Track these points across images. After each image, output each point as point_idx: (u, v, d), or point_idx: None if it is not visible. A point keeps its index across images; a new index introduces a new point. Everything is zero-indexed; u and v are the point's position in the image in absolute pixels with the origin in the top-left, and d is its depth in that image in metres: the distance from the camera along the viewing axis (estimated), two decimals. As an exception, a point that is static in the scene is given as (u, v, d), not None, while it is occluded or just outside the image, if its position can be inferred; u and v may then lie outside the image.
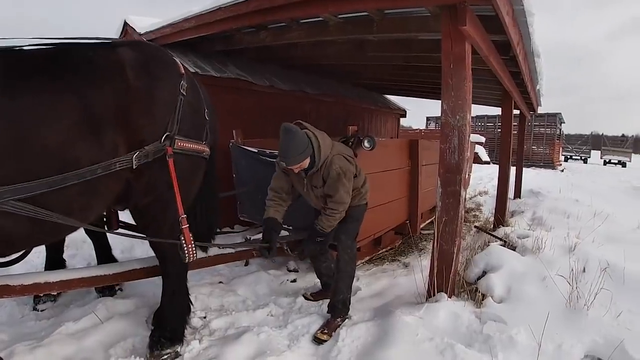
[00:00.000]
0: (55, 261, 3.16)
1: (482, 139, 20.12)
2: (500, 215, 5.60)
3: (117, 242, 3.87)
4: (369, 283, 3.49)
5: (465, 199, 2.72)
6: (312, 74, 6.99)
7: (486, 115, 23.84)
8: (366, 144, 3.15)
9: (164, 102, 2.25)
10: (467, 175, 2.71)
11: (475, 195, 8.98)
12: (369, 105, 8.85)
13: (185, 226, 2.38)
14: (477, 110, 23.10)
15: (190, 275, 2.84)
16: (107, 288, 3.12)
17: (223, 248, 3.01)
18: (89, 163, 1.96)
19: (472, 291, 2.78)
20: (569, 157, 29.00)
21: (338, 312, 2.76)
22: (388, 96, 10.20)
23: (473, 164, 11.72)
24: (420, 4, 2.82)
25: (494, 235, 4.24)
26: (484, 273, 2.95)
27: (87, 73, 2.04)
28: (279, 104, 6.02)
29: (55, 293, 2.99)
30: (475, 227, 5.24)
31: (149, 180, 2.26)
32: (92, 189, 2.03)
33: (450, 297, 2.66)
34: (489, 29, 3.05)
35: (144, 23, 5.06)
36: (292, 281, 3.53)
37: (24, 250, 2.48)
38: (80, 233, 3.13)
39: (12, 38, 2.17)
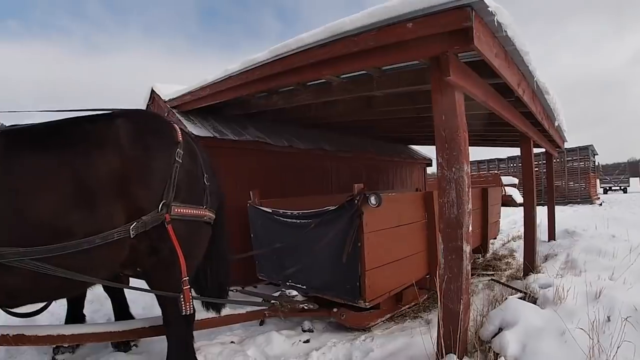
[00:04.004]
0: (74, 315, 3.31)
1: (516, 181, 19.52)
2: (529, 262, 5.24)
3: (140, 300, 3.96)
4: (384, 343, 3.28)
5: (469, 254, 2.61)
6: (331, 131, 7.12)
7: (517, 156, 23.27)
8: (372, 200, 3.17)
9: (159, 171, 2.34)
10: (469, 229, 2.62)
11: (508, 241, 8.51)
12: (392, 157, 8.83)
13: (185, 287, 2.46)
14: (509, 151, 22.62)
15: (203, 334, 2.91)
16: (122, 343, 3.21)
17: (229, 306, 3.14)
18: (83, 233, 2.08)
19: (486, 350, 2.63)
20: (608, 188, 27.88)
21: None
22: (413, 146, 10.18)
23: (507, 207, 11.26)
24: (404, 59, 2.88)
25: (511, 287, 4.01)
26: (500, 330, 2.79)
27: (83, 146, 2.18)
28: (299, 163, 6.17)
29: (68, 345, 3.12)
30: (492, 280, 4.92)
31: (151, 244, 2.36)
32: (93, 255, 2.14)
33: (461, 358, 2.51)
34: (483, 74, 3.03)
35: (169, 90, 5.41)
36: (305, 342, 3.43)
37: (44, 303, 2.72)
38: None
39: (21, 111, 2.47)
